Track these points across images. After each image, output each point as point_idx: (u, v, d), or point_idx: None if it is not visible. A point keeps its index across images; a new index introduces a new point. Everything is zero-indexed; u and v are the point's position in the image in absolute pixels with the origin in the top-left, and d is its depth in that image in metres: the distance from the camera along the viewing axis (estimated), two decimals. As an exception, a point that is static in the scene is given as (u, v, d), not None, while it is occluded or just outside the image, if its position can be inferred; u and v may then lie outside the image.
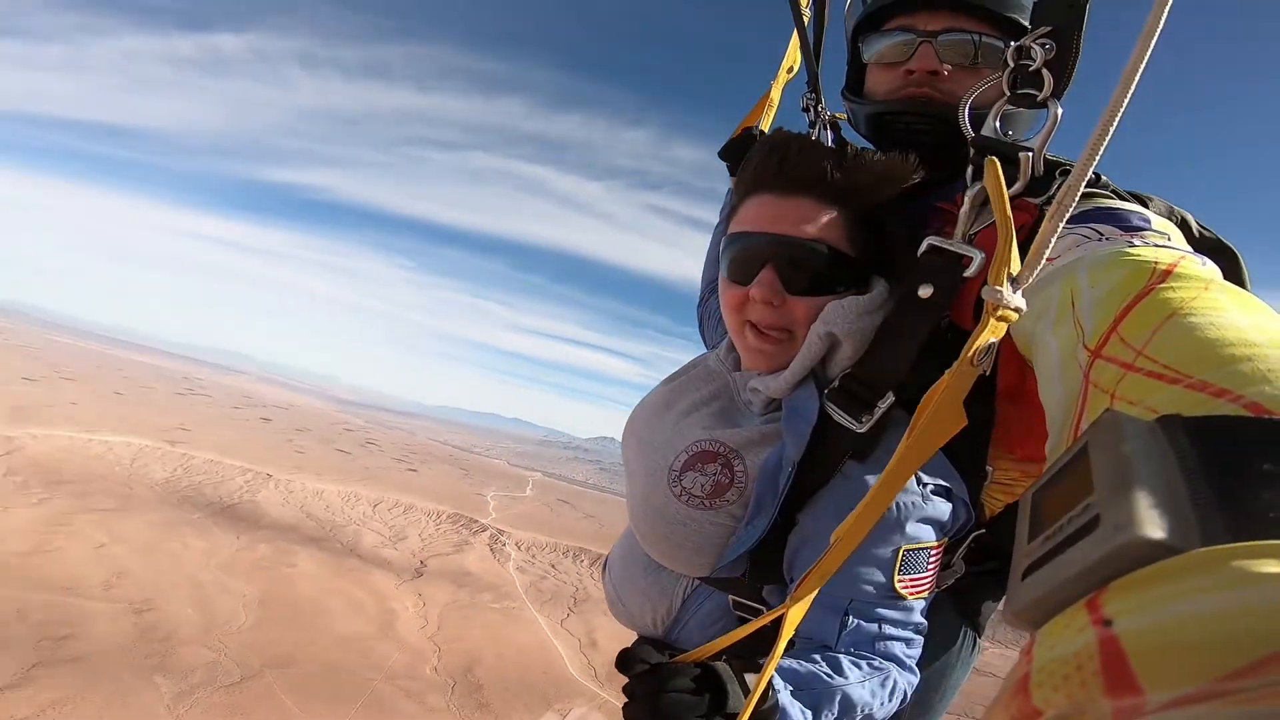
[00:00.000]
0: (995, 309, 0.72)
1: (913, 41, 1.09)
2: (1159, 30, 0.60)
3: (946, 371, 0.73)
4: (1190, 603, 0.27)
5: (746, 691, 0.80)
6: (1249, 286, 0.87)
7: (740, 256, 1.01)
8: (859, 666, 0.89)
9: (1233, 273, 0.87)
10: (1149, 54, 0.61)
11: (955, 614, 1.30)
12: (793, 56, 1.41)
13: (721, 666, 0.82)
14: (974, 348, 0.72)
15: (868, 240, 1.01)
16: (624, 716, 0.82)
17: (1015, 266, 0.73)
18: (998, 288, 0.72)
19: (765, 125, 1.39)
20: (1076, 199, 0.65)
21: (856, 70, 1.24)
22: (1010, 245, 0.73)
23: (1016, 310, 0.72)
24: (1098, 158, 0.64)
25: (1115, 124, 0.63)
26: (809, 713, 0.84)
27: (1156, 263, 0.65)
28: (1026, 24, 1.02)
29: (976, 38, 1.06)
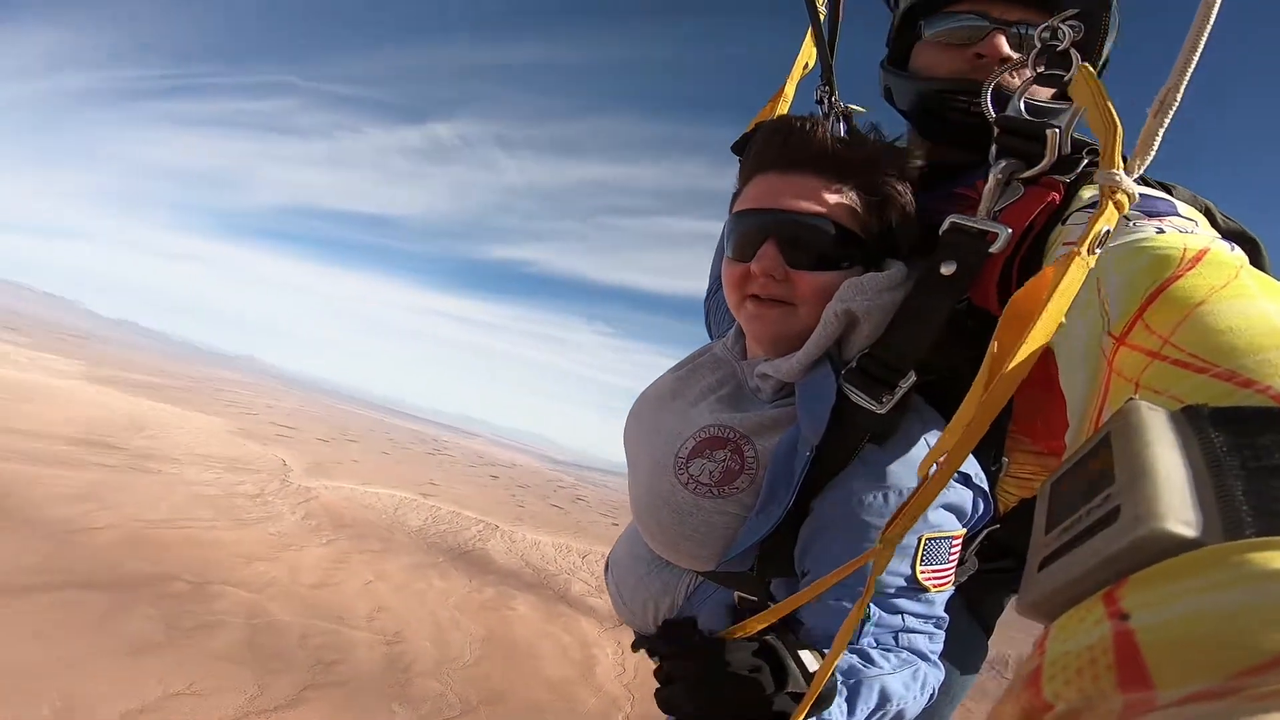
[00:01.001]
0: (1113, 192, 0.70)
1: (985, 27, 1.07)
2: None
3: (1050, 265, 0.70)
4: (1209, 598, 0.26)
5: (803, 673, 0.77)
6: (1273, 276, 0.82)
7: (743, 233, 1.00)
8: (888, 659, 0.86)
9: (1258, 263, 0.84)
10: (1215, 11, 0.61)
11: (966, 612, 1.29)
12: (808, 53, 1.42)
13: (778, 642, 0.79)
14: (1092, 233, 0.68)
15: (879, 221, 0.99)
16: (665, 701, 0.77)
17: (1118, 164, 0.71)
18: (1112, 170, 0.70)
19: None
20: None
21: (904, 44, 1.22)
22: (1116, 141, 0.72)
23: (1129, 195, 0.71)
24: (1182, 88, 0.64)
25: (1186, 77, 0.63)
26: (845, 706, 0.80)
27: (1185, 249, 0.63)
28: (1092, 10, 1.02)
29: (1043, 34, 1.03)
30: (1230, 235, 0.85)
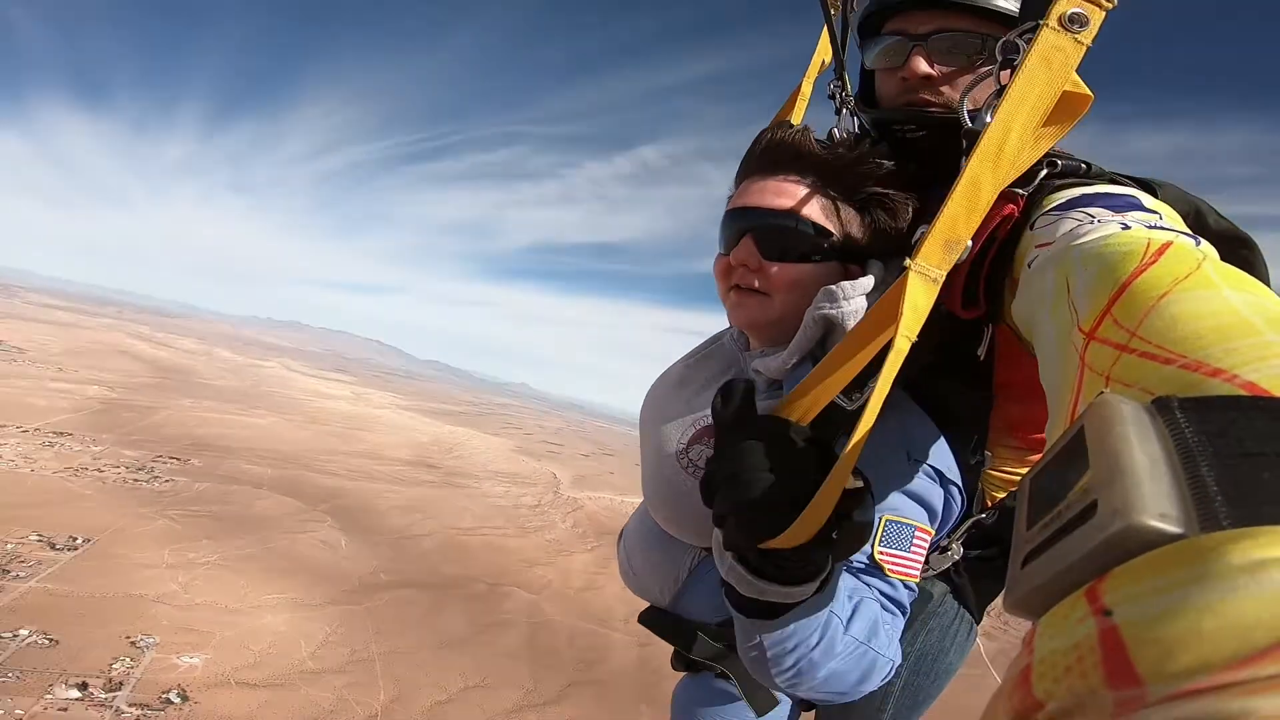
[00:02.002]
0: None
1: (905, 45, 1.09)
2: None
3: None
4: (1189, 592, 0.26)
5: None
6: (1267, 275, 0.86)
7: (726, 229, 1.09)
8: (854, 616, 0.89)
9: (1250, 262, 0.86)
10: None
11: (952, 597, 1.34)
12: (824, 50, 1.43)
13: (825, 436, 0.77)
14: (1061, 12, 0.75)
15: (860, 219, 1.06)
16: (712, 475, 0.74)
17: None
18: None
19: (797, 118, 1.40)
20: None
21: (867, 76, 1.26)
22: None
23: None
24: None
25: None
26: (849, 608, 0.87)
27: (1149, 242, 0.64)
28: (1014, 9, 1.04)
29: (966, 36, 1.06)
30: (1222, 235, 0.86)
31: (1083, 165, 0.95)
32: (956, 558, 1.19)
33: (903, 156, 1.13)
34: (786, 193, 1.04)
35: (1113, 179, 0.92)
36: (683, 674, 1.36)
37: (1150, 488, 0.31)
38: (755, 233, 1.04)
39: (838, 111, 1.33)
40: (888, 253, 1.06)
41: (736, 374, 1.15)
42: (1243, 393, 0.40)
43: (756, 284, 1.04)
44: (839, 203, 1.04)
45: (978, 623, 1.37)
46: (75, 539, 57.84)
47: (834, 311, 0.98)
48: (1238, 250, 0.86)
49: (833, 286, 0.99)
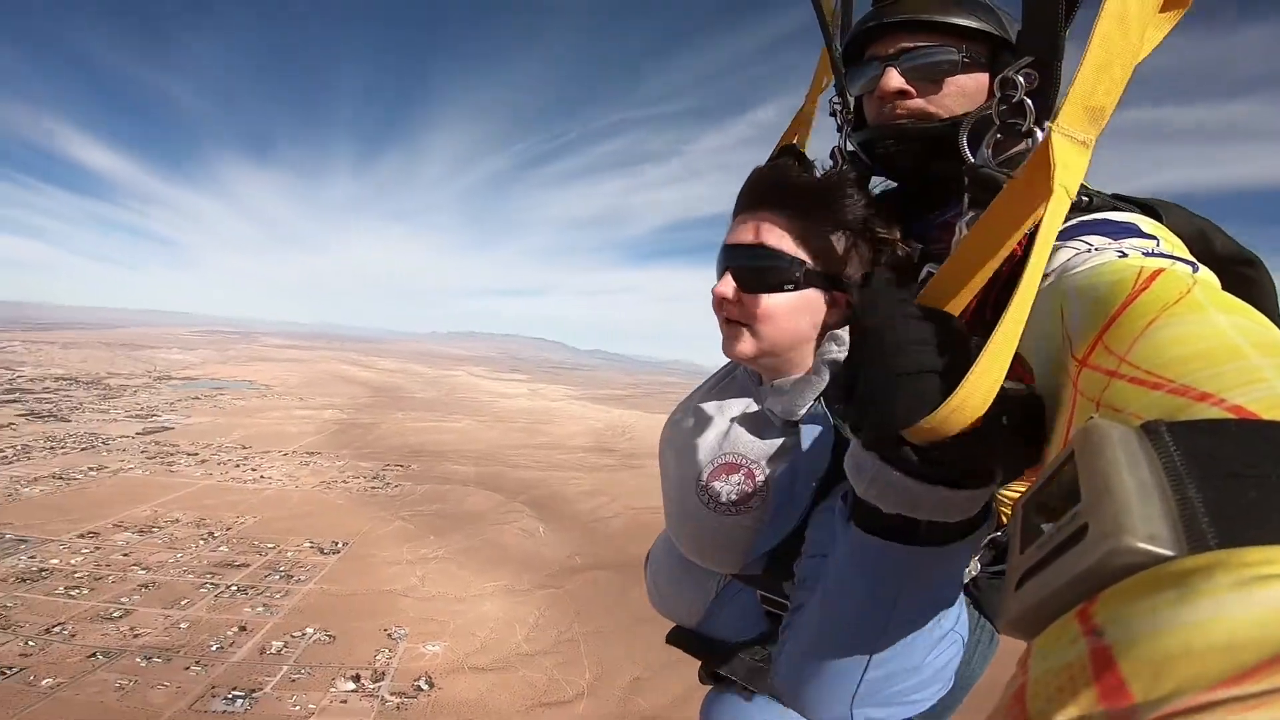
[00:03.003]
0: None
1: (879, 68, 1.14)
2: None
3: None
4: (1178, 612, 0.27)
5: None
6: (1274, 291, 0.89)
7: (718, 265, 1.15)
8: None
9: (1255, 280, 0.87)
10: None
11: (972, 606, 1.35)
12: (825, 70, 1.42)
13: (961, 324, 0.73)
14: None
15: (843, 248, 1.07)
16: (859, 353, 0.71)
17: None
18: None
19: (803, 140, 1.44)
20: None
21: (859, 105, 1.28)
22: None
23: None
24: None
25: None
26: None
27: (1141, 270, 0.65)
28: (976, 24, 1.08)
29: (936, 50, 1.09)
30: (1228, 256, 0.87)
31: (1084, 199, 0.94)
32: (975, 573, 1.23)
33: (890, 175, 1.19)
34: (763, 227, 1.07)
35: (1114, 205, 0.91)
36: (709, 687, 1.39)
37: (1139, 510, 0.32)
38: (734, 268, 1.09)
39: (839, 129, 1.34)
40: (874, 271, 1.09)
41: (754, 408, 1.18)
42: (1230, 416, 0.41)
43: (738, 316, 1.09)
44: (818, 230, 1.06)
45: (999, 631, 1.35)
46: (337, 543, 69.58)
47: (842, 355, 1.01)
48: (1243, 270, 0.86)
49: (838, 331, 1.04)
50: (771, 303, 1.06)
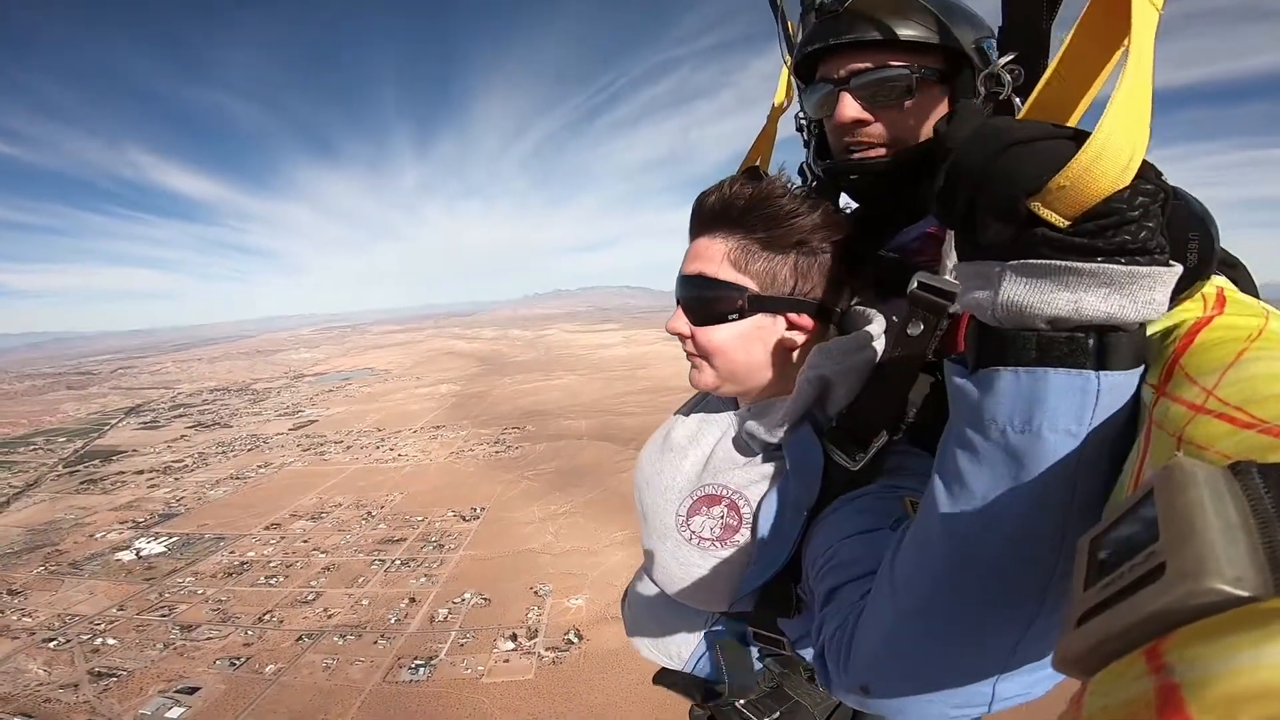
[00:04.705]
0: None
1: (832, 91, 1.08)
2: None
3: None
4: (1258, 653, 0.25)
5: None
6: (1256, 292, 0.86)
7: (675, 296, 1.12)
8: None
9: (1237, 282, 0.82)
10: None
11: None
12: (784, 89, 1.42)
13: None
14: None
15: (790, 269, 1.00)
16: (959, 140, 0.58)
17: None
18: None
19: (766, 161, 1.41)
20: None
21: (821, 124, 1.22)
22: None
23: None
24: None
25: None
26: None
27: (1207, 291, 0.62)
28: (926, 37, 0.99)
29: (890, 71, 1.02)
30: (1220, 263, 0.84)
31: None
32: None
33: (861, 204, 1.15)
34: (706, 255, 1.03)
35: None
36: None
37: (1224, 552, 0.31)
38: (683, 301, 1.06)
39: (806, 144, 1.30)
40: (835, 298, 1.03)
41: (730, 435, 1.11)
42: None
43: (692, 349, 1.06)
44: (762, 252, 1.00)
45: None
46: (475, 509, 75.42)
47: (831, 371, 0.96)
48: (1226, 272, 0.83)
49: (826, 345, 0.98)
50: (718, 336, 1.02)
